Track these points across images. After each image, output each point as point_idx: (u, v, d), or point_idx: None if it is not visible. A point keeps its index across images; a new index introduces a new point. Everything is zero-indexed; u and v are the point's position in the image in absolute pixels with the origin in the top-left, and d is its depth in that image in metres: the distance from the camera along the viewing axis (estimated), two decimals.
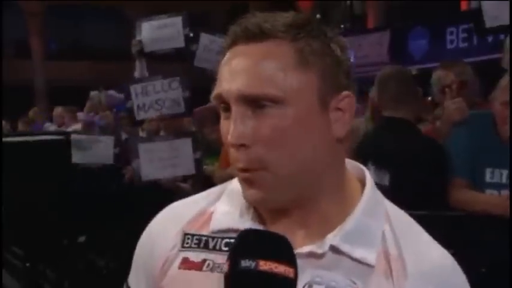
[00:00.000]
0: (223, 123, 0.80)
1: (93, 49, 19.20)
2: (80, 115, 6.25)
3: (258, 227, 0.81)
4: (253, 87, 0.75)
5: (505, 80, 2.33)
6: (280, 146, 0.76)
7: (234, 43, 0.80)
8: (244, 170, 0.77)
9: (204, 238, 0.84)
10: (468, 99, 2.71)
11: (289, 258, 0.69)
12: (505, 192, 2.26)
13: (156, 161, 3.33)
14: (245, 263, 0.67)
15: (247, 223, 0.82)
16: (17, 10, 17.91)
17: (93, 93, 6.03)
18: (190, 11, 3.87)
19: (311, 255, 0.77)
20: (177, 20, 3.70)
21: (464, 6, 12.91)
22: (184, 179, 3.55)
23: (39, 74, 18.52)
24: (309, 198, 0.80)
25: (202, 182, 3.39)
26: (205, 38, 3.51)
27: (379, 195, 0.86)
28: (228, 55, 0.80)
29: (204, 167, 3.59)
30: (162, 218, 0.93)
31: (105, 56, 18.21)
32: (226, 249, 0.81)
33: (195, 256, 0.83)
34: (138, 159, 3.35)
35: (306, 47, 0.77)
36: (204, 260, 0.82)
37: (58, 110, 7.23)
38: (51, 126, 7.54)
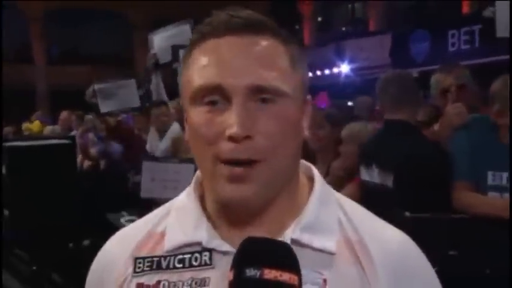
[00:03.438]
0: (207, 116, 0.76)
1: (93, 54, 19.27)
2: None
3: (215, 235, 0.80)
4: (265, 80, 0.75)
5: (494, 87, 2.35)
6: (281, 139, 0.76)
7: (219, 33, 0.77)
8: (237, 164, 0.75)
9: (156, 259, 0.82)
10: (468, 103, 2.74)
11: (293, 266, 0.68)
12: (507, 195, 2.28)
13: (157, 180, 3.37)
14: (250, 272, 0.66)
15: (201, 233, 0.81)
16: (21, 15, 18.01)
17: (87, 117, 5.97)
18: (193, 16, 3.86)
19: None
20: (185, 28, 3.69)
21: (466, 9, 12.95)
22: None
23: (41, 79, 18.58)
24: (277, 195, 0.80)
25: None
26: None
27: (328, 187, 0.87)
28: (216, 44, 0.77)
29: None
30: (110, 244, 0.90)
31: (105, 61, 18.25)
32: (180, 265, 0.80)
33: (149, 279, 0.81)
34: (140, 175, 3.41)
35: (294, 50, 0.81)
36: (159, 282, 0.80)
37: (64, 114, 7.35)
38: (53, 130, 7.58)
